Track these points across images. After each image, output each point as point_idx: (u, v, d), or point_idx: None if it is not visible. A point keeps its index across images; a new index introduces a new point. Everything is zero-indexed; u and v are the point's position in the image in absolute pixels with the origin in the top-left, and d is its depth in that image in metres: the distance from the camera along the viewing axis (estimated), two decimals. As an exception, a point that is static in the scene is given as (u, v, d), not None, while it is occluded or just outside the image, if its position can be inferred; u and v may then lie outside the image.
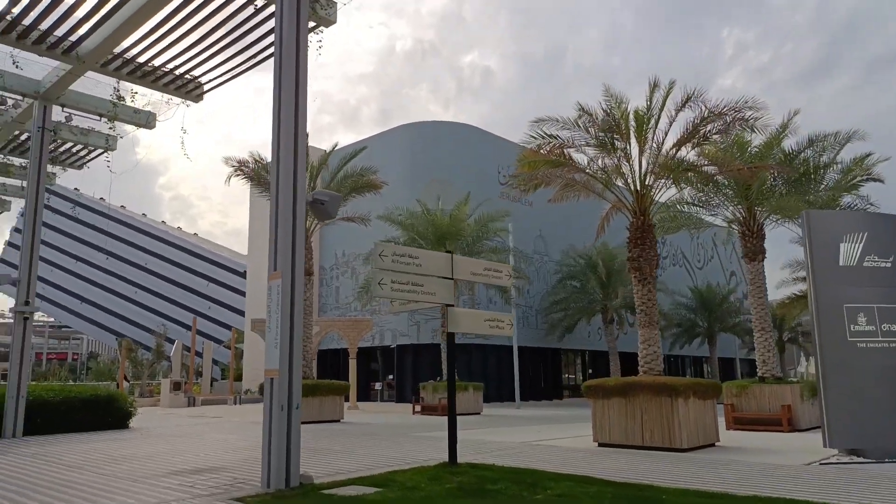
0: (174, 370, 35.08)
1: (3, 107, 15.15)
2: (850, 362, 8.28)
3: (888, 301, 8.53)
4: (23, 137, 18.06)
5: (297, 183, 7.67)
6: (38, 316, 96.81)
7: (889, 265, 8.65)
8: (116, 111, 14.71)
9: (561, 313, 30.55)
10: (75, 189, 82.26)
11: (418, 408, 21.02)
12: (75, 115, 15.40)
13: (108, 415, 14.91)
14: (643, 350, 10.71)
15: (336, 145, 17.80)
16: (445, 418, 16.37)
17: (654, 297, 10.75)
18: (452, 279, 8.71)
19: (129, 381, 33.60)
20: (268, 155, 16.60)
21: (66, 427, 14.11)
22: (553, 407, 26.94)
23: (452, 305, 8.56)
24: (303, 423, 15.60)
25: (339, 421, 16.99)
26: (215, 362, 62.08)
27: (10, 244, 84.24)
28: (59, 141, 16.92)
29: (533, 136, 10.92)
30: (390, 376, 30.24)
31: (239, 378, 36.54)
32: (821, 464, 8.29)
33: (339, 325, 24.36)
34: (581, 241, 30.61)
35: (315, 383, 16.62)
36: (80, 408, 14.42)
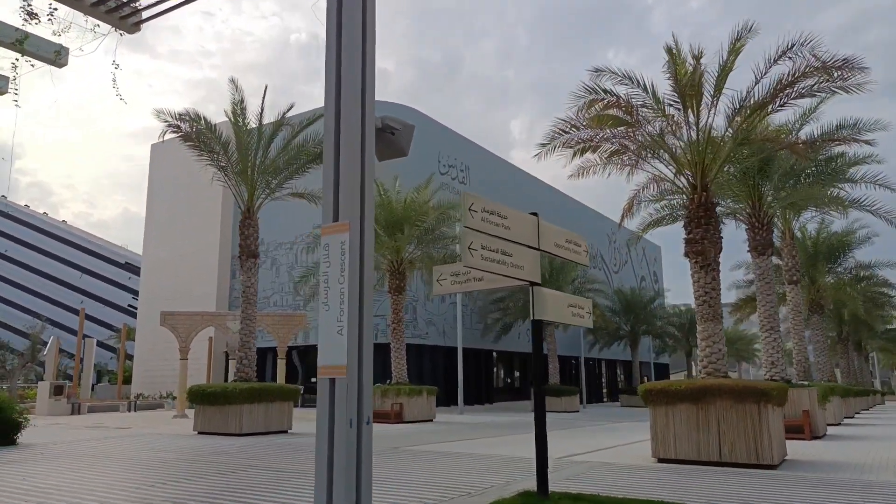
0: (48, 372, 30.02)
1: None
2: None
3: None
4: None
5: (365, 100, 5.31)
6: None
7: None
8: (24, 39, 11.11)
9: (499, 313, 29.07)
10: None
11: (364, 415, 18.55)
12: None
13: (-11, 428, 11.40)
14: (706, 348, 9.15)
15: (292, 105, 15.08)
16: (403, 426, 14.02)
17: (719, 287, 9.24)
18: (539, 249, 6.65)
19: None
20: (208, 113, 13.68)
21: (-68, 445, 10.55)
22: (497, 412, 25.29)
23: (540, 284, 6.51)
24: (244, 434, 12.77)
25: (286, 432, 14.26)
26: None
27: None
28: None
29: (587, 90, 9.12)
30: (312, 379, 27.32)
31: (127, 381, 31.94)
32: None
33: (267, 320, 21.31)
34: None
35: (262, 387, 13.78)
36: (-50, 419, 10.86)
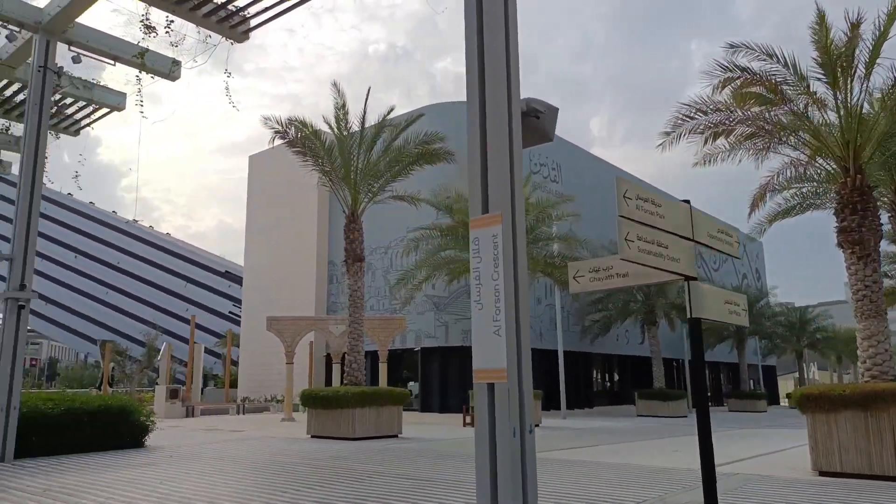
0: (161, 377, 31.63)
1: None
2: None
3: None
4: (8, 93, 14.91)
5: (510, 84, 4.94)
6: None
7: None
8: (144, 53, 11.44)
9: (599, 314, 28.10)
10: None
11: (468, 419, 18.25)
12: (86, 56, 12.29)
13: (120, 431, 11.85)
14: (869, 349, 8.16)
15: (392, 108, 15.02)
16: None
17: (880, 279, 8.25)
18: (693, 240, 6.06)
19: (112, 389, 30.05)
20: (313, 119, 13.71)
21: (69, 447, 11.03)
22: (600, 417, 24.39)
23: (696, 279, 5.93)
24: (357, 438, 12.70)
25: (396, 436, 14.14)
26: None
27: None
28: (56, 95, 13.79)
29: (722, 68, 8.40)
30: (411, 383, 27.36)
31: (232, 385, 33.19)
32: None
33: (367, 324, 21.36)
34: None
35: (373, 391, 13.72)
36: (87, 422, 11.34)
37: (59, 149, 16.70)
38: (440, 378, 25.15)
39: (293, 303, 28.92)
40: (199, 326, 65.07)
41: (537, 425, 18.37)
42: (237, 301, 67.65)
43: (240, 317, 66.15)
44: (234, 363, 48.06)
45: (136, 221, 70.92)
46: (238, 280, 68.89)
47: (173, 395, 23.29)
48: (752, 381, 48.44)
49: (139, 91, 11.58)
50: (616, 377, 33.67)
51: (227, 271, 69.72)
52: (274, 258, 31.71)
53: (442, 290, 25.48)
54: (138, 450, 11.73)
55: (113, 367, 30.85)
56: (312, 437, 14.01)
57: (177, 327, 62.68)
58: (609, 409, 30.11)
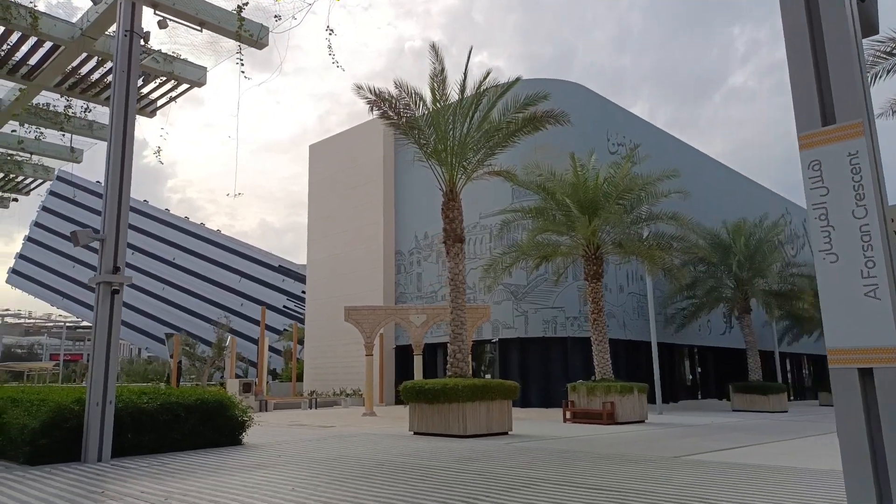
0: (228, 371, 31.11)
1: None
2: None
3: None
4: (84, 70, 14.05)
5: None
6: (56, 313, 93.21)
7: None
8: (243, 7, 10.38)
9: (685, 302, 26.29)
10: (97, 182, 78.57)
11: (568, 413, 16.87)
12: (172, 21, 11.27)
13: (217, 427, 10.86)
14: None
15: (489, 73, 13.57)
16: (620, 428, 12.11)
17: None
18: None
19: (181, 383, 29.63)
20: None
21: (167, 444, 10.08)
22: (696, 412, 22.67)
23: None
24: (468, 436, 11.40)
25: (507, 433, 12.83)
26: (253, 364, 58.08)
27: (29, 239, 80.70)
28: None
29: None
30: (486, 376, 26.07)
31: (299, 378, 32.46)
32: None
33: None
34: (705, 218, 26.32)
35: (485, 383, 12.44)
36: (184, 418, 10.36)
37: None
38: (520, 372, 23.75)
39: (359, 295, 27.90)
40: (253, 321, 65.09)
41: (642, 422, 16.90)
42: (291, 295, 67.53)
43: (294, 311, 66.14)
44: (285, 356, 47.70)
45: (167, 210, 70.96)
46: (292, 275, 68.78)
47: (246, 388, 22.53)
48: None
49: (240, 52, 10.48)
50: (698, 369, 31.72)
51: (280, 266, 69.70)
52: (338, 249, 30.79)
53: (521, 279, 24.10)
54: (236, 448, 10.73)
55: (180, 362, 30.46)
56: (415, 434, 12.83)
57: (232, 322, 62.72)
58: (695, 403, 28.28)
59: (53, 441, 8.89)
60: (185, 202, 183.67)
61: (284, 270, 69.37)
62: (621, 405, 16.22)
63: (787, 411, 23.64)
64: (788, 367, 39.21)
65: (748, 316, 25.14)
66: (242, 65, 10.29)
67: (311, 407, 24.33)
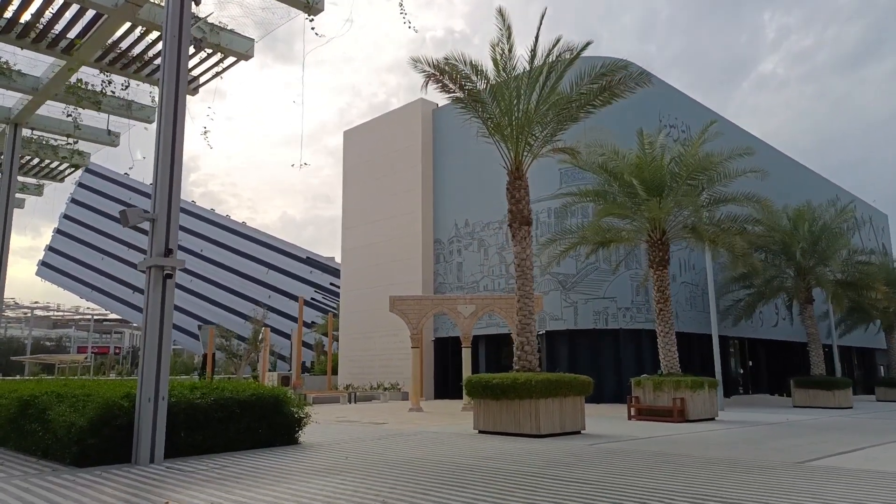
0: (262, 363, 30.47)
1: None
2: None
3: None
4: (124, 45, 13.17)
5: None
6: (84, 306, 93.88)
7: None
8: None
9: (743, 292, 24.96)
10: (125, 174, 78.75)
11: (633, 410, 15.79)
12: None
13: (273, 424, 10.00)
14: None
15: (559, 39, 12.45)
16: (692, 426, 11.29)
17: None
18: None
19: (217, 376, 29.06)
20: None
21: (221, 444, 9.23)
22: (757, 408, 21.42)
23: None
24: (542, 436, 10.42)
25: (580, 432, 11.80)
26: (282, 357, 57.67)
27: (59, 231, 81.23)
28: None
29: None
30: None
31: (333, 371, 31.71)
32: None
33: (500, 303, 19.16)
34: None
35: (559, 378, 11.40)
36: (239, 415, 9.50)
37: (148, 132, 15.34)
38: (569, 365, 22.65)
39: (397, 285, 26.96)
40: (281, 314, 64.74)
41: (713, 419, 15.77)
42: (319, 287, 67.03)
43: (322, 303, 65.60)
44: (312, 348, 47.05)
45: (193, 203, 70.87)
46: (320, 266, 68.27)
47: (285, 382, 21.78)
48: (881, 368, 43.90)
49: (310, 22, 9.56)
50: (749, 363, 30.37)
51: (308, 257, 69.19)
52: (374, 239, 29.87)
53: (570, 267, 23.00)
54: (294, 448, 9.86)
55: (213, 354, 29.86)
56: (480, 432, 11.85)
57: (253, 312, 62.45)
58: (748, 398, 26.96)
59: (102, 440, 8.07)
60: (208, 195, 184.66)
61: (312, 262, 68.83)
62: (692, 401, 15.10)
63: (851, 407, 22.31)
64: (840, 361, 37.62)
65: (810, 307, 23.74)
66: (312, 20, 9.29)
67: (350, 401, 23.52)
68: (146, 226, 9.07)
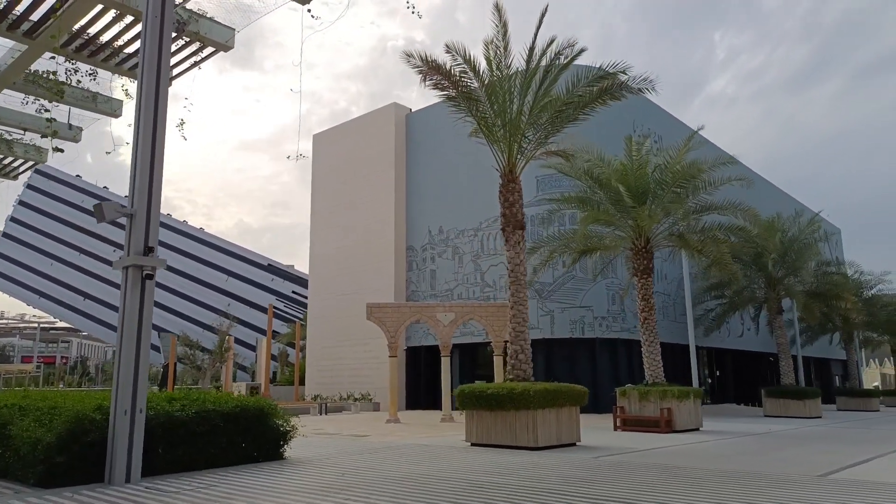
0: (227, 372, 29.33)
1: None
2: None
3: None
4: (93, 30, 12.32)
5: None
6: (30, 313, 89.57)
7: None
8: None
9: (714, 302, 25.14)
10: (77, 175, 75.77)
11: (618, 420, 15.52)
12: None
13: (258, 438, 9.30)
14: None
15: (553, 39, 12.14)
16: (680, 437, 11.22)
17: None
18: None
19: (177, 386, 27.70)
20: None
21: (203, 460, 8.50)
22: (731, 418, 21.46)
23: None
24: (539, 448, 10.01)
25: (575, 444, 11.40)
26: (242, 368, 55.94)
27: (5, 235, 77.39)
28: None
29: None
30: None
31: (301, 381, 30.70)
32: None
33: (480, 311, 18.72)
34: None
35: (556, 388, 10.98)
36: (222, 428, 8.78)
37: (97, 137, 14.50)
38: (545, 374, 22.32)
39: (368, 293, 26.25)
40: (243, 322, 62.92)
41: (698, 429, 15.61)
42: (280, 296, 65.43)
43: (284, 312, 64.04)
44: (274, 359, 45.76)
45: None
46: (281, 274, 66.70)
47: (253, 392, 20.83)
48: (836, 378, 45.04)
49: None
50: (717, 372, 30.66)
51: (269, 265, 67.55)
52: (344, 245, 29.11)
53: (547, 276, 22.73)
54: (280, 463, 9.20)
55: (175, 364, 28.48)
56: (473, 444, 11.33)
57: (217, 322, 60.55)
58: (715, 408, 27.12)
59: (72, 458, 7.27)
60: (163, 201, 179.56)
61: (274, 269, 67.24)
62: (679, 412, 14.91)
63: (821, 416, 22.59)
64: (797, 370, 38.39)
65: (780, 317, 24.04)
66: (308, 1, 8.72)
67: (320, 412, 22.69)
68: (124, 221, 8.32)
